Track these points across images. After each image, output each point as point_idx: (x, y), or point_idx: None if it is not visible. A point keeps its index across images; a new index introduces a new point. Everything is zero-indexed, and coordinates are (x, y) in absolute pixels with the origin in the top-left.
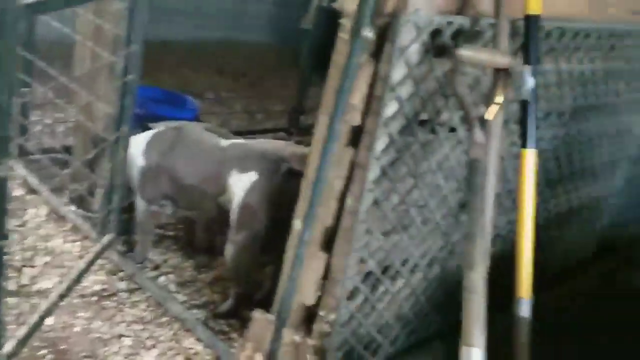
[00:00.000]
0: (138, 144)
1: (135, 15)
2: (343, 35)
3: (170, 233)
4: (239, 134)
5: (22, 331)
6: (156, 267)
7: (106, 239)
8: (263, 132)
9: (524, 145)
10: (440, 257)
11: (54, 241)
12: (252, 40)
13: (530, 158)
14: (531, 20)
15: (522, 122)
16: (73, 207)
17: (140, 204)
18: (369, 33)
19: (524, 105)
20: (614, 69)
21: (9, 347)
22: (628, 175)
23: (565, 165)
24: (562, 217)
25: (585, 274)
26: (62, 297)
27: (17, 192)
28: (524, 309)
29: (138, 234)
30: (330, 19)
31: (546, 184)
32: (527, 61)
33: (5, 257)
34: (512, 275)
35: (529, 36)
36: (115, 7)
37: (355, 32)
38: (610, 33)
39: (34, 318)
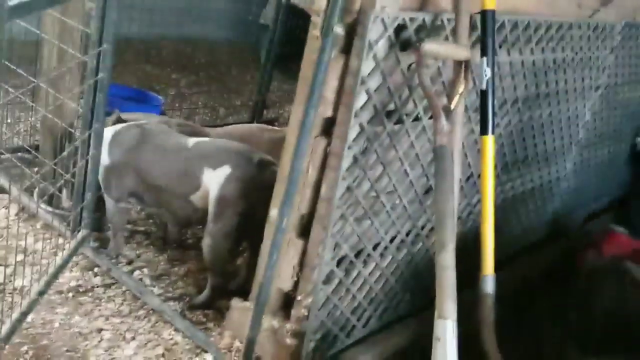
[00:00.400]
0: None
1: (106, 14)
2: (314, 32)
3: (141, 228)
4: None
5: (4, 329)
6: (130, 262)
7: (80, 235)
8: (225, 125)
9: (483, 132)
10: (407, 241)
11: (27, 240)
12: (211, 36)
13: (489, 144)
14: (487, 15)
15: (482, 111)
16: (43, 205)
17: (108, 202)
18: (339, 29)
19: (482, 94)
20: (563, 58)
21: None
22: (577, 159)
23: (520, 151)
24: (517, 199)
25: (538, 254)
26: (41, 293)
27: None
28: (489, 286)
29: (110, 230)
30: (290, 15)
31: (502, 168)
32: (484, 53)
33: None
34: (473, 254)
35: (485, 30)
36: (87, 6)
37: (326, 29)
38: (559, 25)
39: (15, 316)
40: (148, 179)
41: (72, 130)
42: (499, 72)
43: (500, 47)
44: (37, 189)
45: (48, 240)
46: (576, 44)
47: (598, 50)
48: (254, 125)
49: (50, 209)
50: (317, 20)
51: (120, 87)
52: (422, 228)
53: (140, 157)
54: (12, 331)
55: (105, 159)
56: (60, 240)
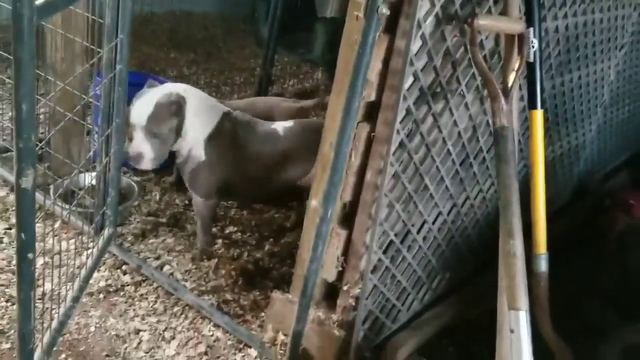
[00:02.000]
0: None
1: (122, 3)
2: (354, 12)
3: (163, 220)
4: None
5: (45, 338)
6: (158, 257)
7: (106, 233)
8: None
9: (532, 107)
10: (448, 220)
11: (48, 240)
12: (203, 10)
13: (538, 118)
14: None
15: (530, 84)
16: (60, 203)
17: (195, 198)
18: (385, 9)
19: (530, 67)
20: (592, 20)
21: (37, 357)
22: (600, 121)
23: (552, 117)
24: (548, 166)
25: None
26: (76, 299)
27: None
28: (543, 264)
29: (198, 228)
30: None
31: None
32: (530, 24)
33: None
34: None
35: None
36: None
37: (371, 8)
38: None
39: (54, 325)
40: (250, 171)
41: (85, 123)
42: None
43: None
44: (52, 186)
45: (71, 240)
46: (604, 3)
47: (623, 9)
48: (272, 98)
49: (67, 206)
50: (360, 0)
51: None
52: (462, 205)
53: (238, 152)
54: (53, 343)
55: (200, 156)
56: (84, 239)
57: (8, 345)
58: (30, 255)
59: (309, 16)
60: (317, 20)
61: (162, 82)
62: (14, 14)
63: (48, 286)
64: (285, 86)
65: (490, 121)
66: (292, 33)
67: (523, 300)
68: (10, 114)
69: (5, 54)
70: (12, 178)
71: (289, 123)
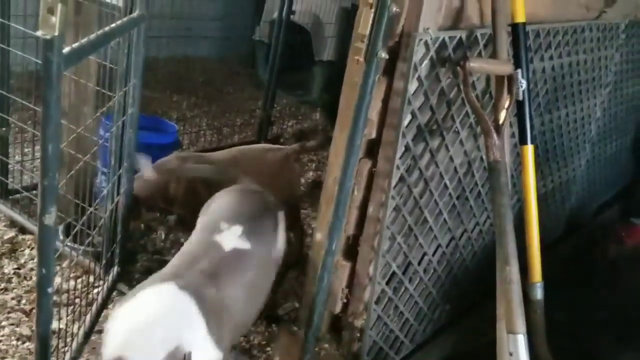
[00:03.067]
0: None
1: (135, 49)
2: (355, 57)
3: (169, 258)
4: (210, 150)
5: None
6: None
7: (115, 271)
8: (233, 146)
9: (523, 142)
10: (447, 252)
11: (56, 279)
12: (203, 55)
13: (529, 153)
14: (518, 28)
15: (520, 121)
16: (69, 243)
17: None
18: (383, 54)
19: (519, 105)
20: (577, 61)
21: None
22: (589, 156)
23: (542, 153)
24: (540, 200)
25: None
26: (87, 335)
27: (8, 234)
28: (539, 292)
29: None
30: (291, 32)
31: None
32: (518, 65)
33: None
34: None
35: (518, 42)
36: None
37: (371, 53)
38: (573, 29)
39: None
40: None
41: (95, 164)
42: None
43: None
44: (61, 227)
45: (79, 279)
46: (587, 45)
47: (606, 50)
48: (256, 147)
49: (76, 246)
50: (360, 45)
51: None
52: (460, 238)
53: None
54: None
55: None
56: (91, 278)
57: None
58: (49, 290)
59: (307, 59)
60: (314, 64)
61: (166, 125)
62: (44, 60)
63: (55, 324)
64: (285, 127)
65: (484, 156)
66: (290, 75)
67: (521, 324)
68: (16, 157)
69: (14, 98)
70: (21, 219)
71: None
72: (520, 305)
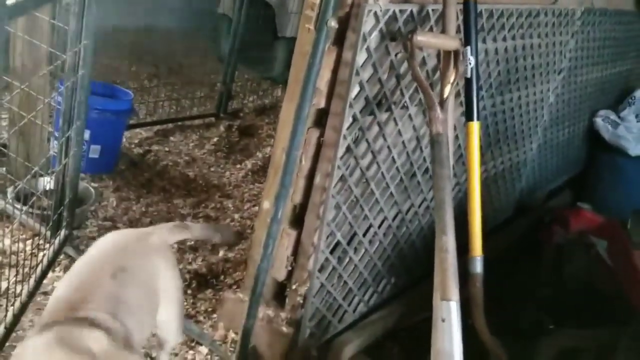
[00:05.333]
0: None
1: (87, 9)
2: (306, 25)
3: (120, 225)
4: (168, 121)
5: None
6: None
7: (62, 234)
8: (191, 118)
9: (469, 119)
10: (393, 225)
11: (4, 241)
12: (166, 26)
13: (474, 130)
14: (469, 5)
15: (467, 98)
16: (18, 205)
17: None
18: (333, 23)
19: (467, 82)
20: (531, 44)
21: None
22: (541, 140)
23: (493, 135)
24: (489, 182)
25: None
26: (31, 296)
27: None
28: (478, 266)
29: None
30: (253, 5)
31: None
32: (467, 42)
33: None
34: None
35: (468, 20)
36: (64, 1)
37: (320, 22)
38: (528, 12)
39: (8, 318)
40: None
41: (47, 128)
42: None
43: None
44: (10, 189)
45: (27, 241)
46: (542, 29)
47: (561, 35)
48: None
49: (25, 208)
50: (310, 14)
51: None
52: (407, 212)
53: None
54: (6, 337)
55: None
56: (40, 241)
57: None
58: None
59: (269, 35)
60: (277, 39)
61: (121, 92)
62: None
63: (3, 285)
64: (245, 102)
65: (415, 127)
66: (253, 51)
67: (454, 292)
68: None
69: None
70: None
71: None
72: (454, 274)
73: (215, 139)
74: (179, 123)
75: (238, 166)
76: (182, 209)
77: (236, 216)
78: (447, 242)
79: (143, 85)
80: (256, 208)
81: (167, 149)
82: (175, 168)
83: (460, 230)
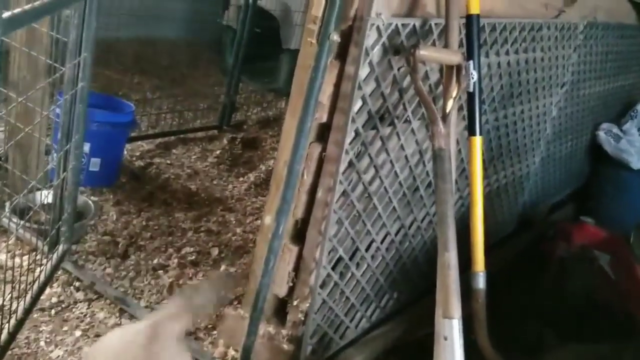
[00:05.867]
0: None
1: (86, 22)
2: (308, 39)
3: (119, 240)
4: (170, 134)
5: None
6: (110, 275)
7: (60, 249)
8: (194, 130)
9: (472, 134)
10: (396, 240)
11: (0, 256)
12: (169, 37)
13: (477, 144)
14: (472, 20)
15: (469, 112)
16: (15, 219)
17: None
18: (335, 37)
19: (469, 96)
20: (533, 58)
21: None
22: (544, 154)
23: (495, 148)
24: (492, 196)
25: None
26: (27, 312)
27: None
28: (481, 281)
29: None
30: (257, 17)
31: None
32: (470, 57)
33: None
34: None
35: (471, 34)
36: (64, 13)
37: (323, 36)
38: (531, 26)
39: (3, 336)
40: None
41: (45, 141)
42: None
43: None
44: (8, 203)
45: (24, 257)
46: (545, 43)
47: (563, 49)
48: None
49: (21, 222)
50: (313, 27)
51: (90, 95)
52: (410, 227)
53: None
54: (1, 356)
55: None
56: (37, 256)
57: None
58: None
59: (274, 47)
60: (281, 52)
61: (122, 105)
62: None
63: None
64: (249, 114)
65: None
66: (257, 63)
67: (456, 309)
68: None
69: None
70: None
71: None
72: (457, 291)
73: (218, 152)
74: (182, 135)
75: (241, 179)
76: (183, 222)
77: (238, 230)
78: (450, 258)
79: (146, 97)
80: (259, 222)
81: (169, 161)
82: (177, 181)
83: (462, 244)
